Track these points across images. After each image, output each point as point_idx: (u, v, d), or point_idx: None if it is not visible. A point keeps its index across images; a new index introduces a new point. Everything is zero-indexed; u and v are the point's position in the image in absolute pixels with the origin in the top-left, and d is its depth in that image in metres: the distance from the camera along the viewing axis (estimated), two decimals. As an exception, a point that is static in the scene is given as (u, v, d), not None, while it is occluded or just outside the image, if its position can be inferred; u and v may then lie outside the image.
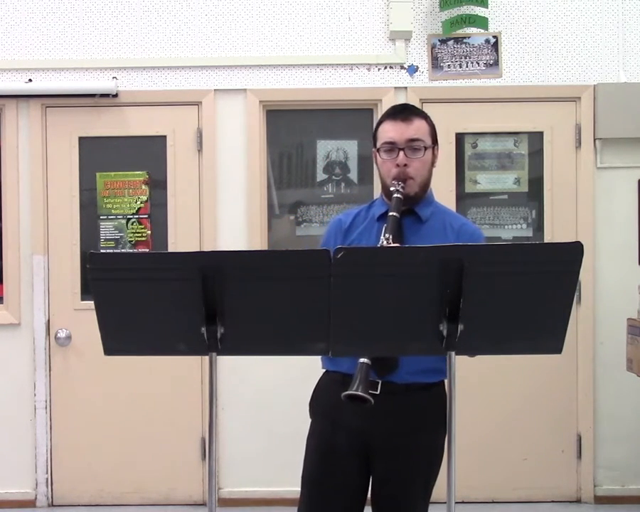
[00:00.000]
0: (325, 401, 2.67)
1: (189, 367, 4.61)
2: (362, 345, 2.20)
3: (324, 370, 2.73)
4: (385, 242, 2.47)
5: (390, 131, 2.63)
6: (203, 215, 4.69)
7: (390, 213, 2.54)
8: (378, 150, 2.67)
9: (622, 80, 4.64)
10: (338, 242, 2.66)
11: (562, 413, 4.70)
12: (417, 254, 2.11)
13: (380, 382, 2.50)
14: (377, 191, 4.66)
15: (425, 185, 2.67)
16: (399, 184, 2.58)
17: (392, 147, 2.62)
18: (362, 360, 2.39)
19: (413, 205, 2.63)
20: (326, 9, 4.68)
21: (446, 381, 2.19)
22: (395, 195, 2.57)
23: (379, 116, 4.59)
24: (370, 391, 2.39)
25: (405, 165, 2.59)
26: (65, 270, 4.70)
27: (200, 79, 4.68)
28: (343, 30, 4.68)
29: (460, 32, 4.61)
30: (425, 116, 2.70)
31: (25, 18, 4.66)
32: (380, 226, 2.62)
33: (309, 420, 2.74)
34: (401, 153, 2.60)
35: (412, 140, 2.61)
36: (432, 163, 2.69)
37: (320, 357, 2.69)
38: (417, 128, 2.63)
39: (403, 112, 2.67)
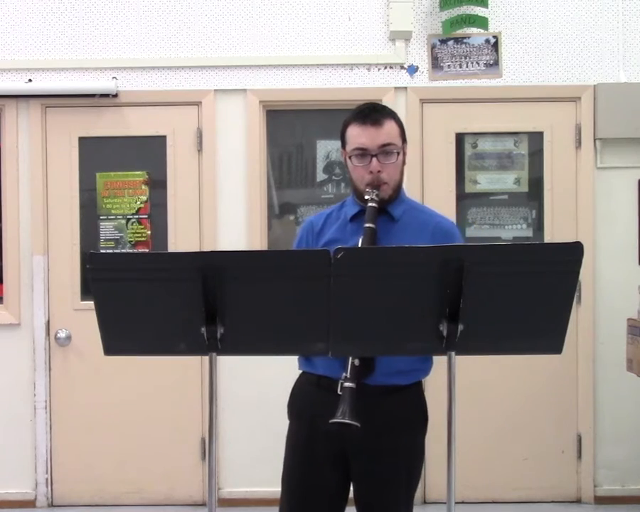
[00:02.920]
0: (301, 402, 2.67)
1: (189, 367, 4.61)
2: (362, 345, 2.20)
3: (301, 371, 2.71)
4: None
5: (360, 137, 2.56)
6: (203, 215, 4.69)
7: (366, 225, 2.49)
8: (350, 156, 2.60)
9: (622, 80, 4.64)
10: (310, 243, 2.64)
11: (562, 413, 4.70)
12: (417, 254, 2.11)
13: (355, 385, 2.45)
14: (377, 191, 4.67)
15: (398, 186, 2.63)
16: (373, 192, 2.53)
17: (363, 153, 2.56)
18: (347, 384, 2.35)
19: (386, 204, 2.59)
20: (326, 9, 4.68)
21: (445, 380, 2.19)
22: (370, 204, 2.52)
23: (379, 116, 4.64)
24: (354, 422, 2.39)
25: (379, 171, 2.55)
26: (65, 270, 4.70)
27: (200, 79, 4.68)
28: (343, 30, 4.68)
29: (460, 32, 4.61)
30: (394, 116, 2.63)
31: (25, 18, 4.66)
32: (352, 227, 2.60)
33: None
34: (374, 159, 2.54)
35: (385, 145, 2.56)
36: (404, 163, 2.65)
37: (297, 357, 2.68)
38: (387, 132, 2.57)
39: (372, 115, 2.58)
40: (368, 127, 2.56)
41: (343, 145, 2.66)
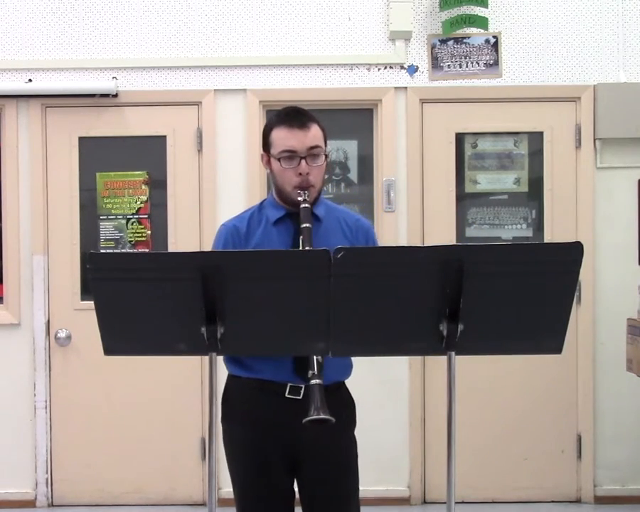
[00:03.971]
0: (244, 409, 2.63)
1: (189, 367, 4.60)
2: (362, 345, 2.20)
3: (231, 375, 2.67)
4: None
5: (289, 139, 2.59)
6: (203, 215, 4.69)
7: (303, 225, 2.52)
8: (278, 158, 2.61)
9: (622, 80, 4.64)
10: (238, 247, 2.62)
11: (562, 413, 4.70)
12: (417, 254, 2.12)
13: (304, 386, 2.48)
14: (377, 191, 4.67)
15: (321, 188, 2.68)
16: (305, 193, 2.57)
17: (292, 155, 2.58)
18: (314, 381, 2.35)
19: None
20: (326, 9, 4.68)
21: (445, 380, 2.19)
22: (303, 205, 2.55)
23: (379, 116, 4.65)
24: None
25: (307, 173, 2.58)
26: (65, 270, 4.70)
27: (200, 79, 4.68)
28: (343, 30, 4.68)
29: (460, 32, 4.61)
30: (317, 120, 2.67)
31: (25, 18, 4.66)
32: (278, 230, 2.63)
33: None
34: (303, 162, 2.57)
35: (312, 147, 2.59)
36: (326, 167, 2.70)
37: (223, 360, 2.66)
38: (314, 135, 2.61)
39: (299, 119, 2.62)
40: (295, 130, 2.59)
41: (267, 148, 2.67)
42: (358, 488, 2.69)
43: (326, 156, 2.66)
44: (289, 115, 2.64)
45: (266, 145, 2.67)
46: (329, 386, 2.50)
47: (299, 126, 2.59)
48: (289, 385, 2.53)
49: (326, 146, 2.67)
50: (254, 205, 2.78)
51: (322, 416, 2.31)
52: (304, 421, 2.32)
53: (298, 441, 2.55)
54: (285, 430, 2.55)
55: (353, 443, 2.68)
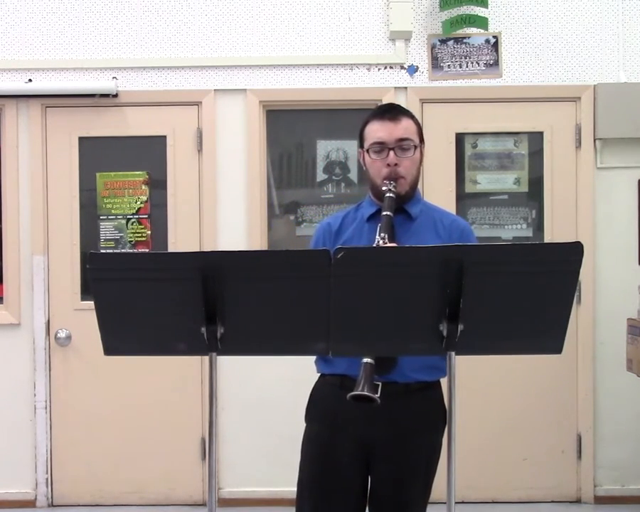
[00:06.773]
0: (323, 407, 2.65)
1: (189, 367, 4.61)
2: (362, 345, 2.20)
3: (319, 374, 2.70)
4: (380, 242, 2.46)
5: (378, 131, 2.63)
6: (203, 215, 4.69)
7: (384, 213, 2.54)
8: (367, 150, 2.66)
9: (622, 80, 4.64)
10: (328, 245, 2.64)
11: (562, 413, 4.70)
12: (418, 254, 2.11)
13: (381, 384, 2.44)
14: (377, 191, 4.67)
15: (414, 183, 2.68)
16: (390, 184, 2.59)
17: (381, 147, 2.62)
18: (365, 360, 2.36)
19: (403, 203, 2.64)
20: (326, 9, 4.68)
21: (445, 380, 2.19)
22: (388, 194, 2.57)
23: (379, 116, 4.64)
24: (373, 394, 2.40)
25: (396, 164, 2.60)
26: (65, 270, 4.70)
27: (200, 79, 4.68)
28: (343, 30, 4.68)
29: (460, 32, 4.61)
30: (412, 116, 2.70)
31: (25, 18, 4.67)
32: (370, 227, 2.63)
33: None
34: (391, 152, 2.60)
35: (402, 139, 2.61)
36: (420, 162, 2.70)
37: (314, 361, 2.69)
38: (405, 127, 2.63)
39: (391, 112, 2.66)
40: (386, 122, 2.63)
41: (362, 144, 2.71)
42: (427, 496, 2.66)
43: (420, 152, 2.66)
44: (381, 108, 2.71)
45: (361, 141, 2.71)
46: (410, 384, 2.52)
47: (390, 118, 2.63)
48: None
49: (422, 142, 2.68)
50: (353, 205, 2.80)
51: (363, 392, 2.30)
52: (347, 396, 2.33)
53: (372, 440, 2.54)
54: (359, 428, 2.54)
55: (429, 448, 2.61)
